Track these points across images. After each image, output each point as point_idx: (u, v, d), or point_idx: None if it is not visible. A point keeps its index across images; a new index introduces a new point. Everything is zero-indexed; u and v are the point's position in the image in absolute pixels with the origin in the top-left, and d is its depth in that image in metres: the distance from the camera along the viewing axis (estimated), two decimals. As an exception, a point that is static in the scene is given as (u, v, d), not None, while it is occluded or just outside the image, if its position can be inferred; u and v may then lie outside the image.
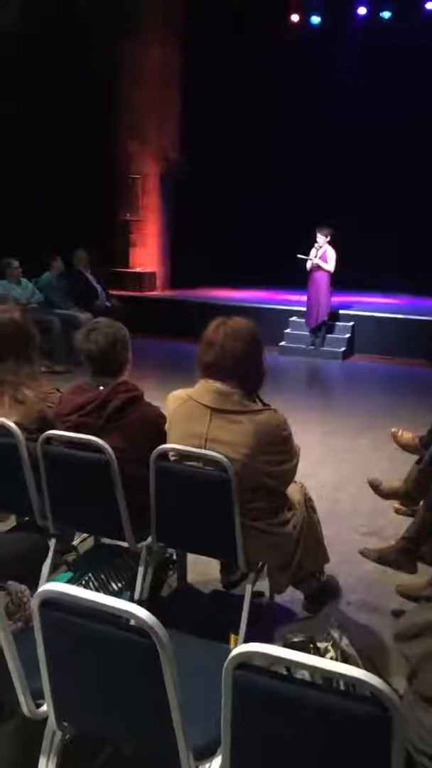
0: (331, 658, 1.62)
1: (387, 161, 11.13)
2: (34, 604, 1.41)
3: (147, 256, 11.25)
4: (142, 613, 1.29)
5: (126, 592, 2.73)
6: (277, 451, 2.28)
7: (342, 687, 1.36)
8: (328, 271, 8.73)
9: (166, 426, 2.39)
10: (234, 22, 10.72)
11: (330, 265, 8.69)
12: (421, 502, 3.10)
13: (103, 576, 2.78)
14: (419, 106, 10.81)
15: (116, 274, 10.85)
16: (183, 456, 2.32)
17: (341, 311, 9.32)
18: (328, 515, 3.91)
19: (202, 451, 2.24)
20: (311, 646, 1.61)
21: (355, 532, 3.74)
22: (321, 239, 8.74)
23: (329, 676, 1.25)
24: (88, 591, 1.38)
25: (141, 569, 2.55)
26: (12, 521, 3.09)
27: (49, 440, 2.45)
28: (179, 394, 2.36)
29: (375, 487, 3.68)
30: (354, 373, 8.35)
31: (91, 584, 2.77)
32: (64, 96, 9.88)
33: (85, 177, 10.28)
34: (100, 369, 2.43)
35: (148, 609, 2.67)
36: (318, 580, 2.80)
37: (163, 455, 2.34)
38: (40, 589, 1.40)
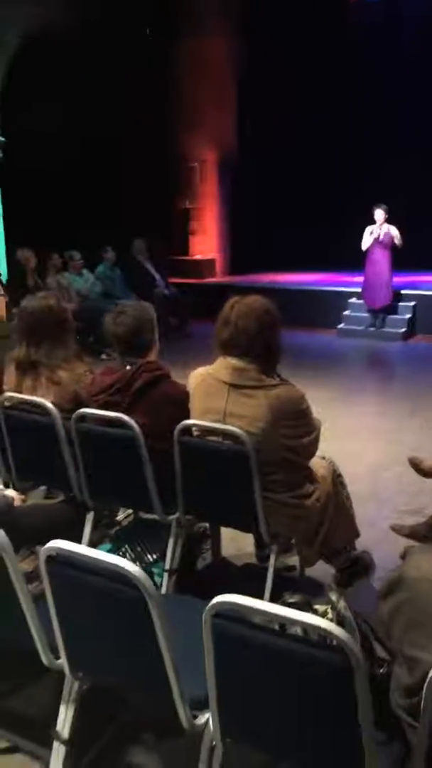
0: (329, 620, 1.69)
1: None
2: (40, 559, 1.54)
3: (206, 243, 11.37)
4: (129, 566, 1.39)
5: (160, 563, 2.87)
6: (294, 425, 2.34)
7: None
8: (394, 247, 8.57)
9: (190, 403, 2.49)
10: (293, 8, 10.59)
11: (398, 239, 8.51)
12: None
13: (139, 548, 2.93)
14: None
15: (176, 261, 11.04)
16: (204, 431, 2.42)
17: (403, 291, 9.13)
18: (371, 494, 3.93)
19: (221, 425, 2.32)
20: (308, 607, 1.68)
21: (396, 510, 3.73)
22: (380, 216, 8.58)
23: (306, 628, 1.32)
24: (86, 548, 1.50)
25: (171, 540, 2.67)
26: (60, 498, 3.29)
27: (82, 418, 2.60)
28: (199, 371, 2.45)
29: (416, 465, 3.64)
30: (414, 354, 8.19)
31: (127, 556, 2.92)
32: (124, 89, 10.07)
33: (145, 167, 10.48)
34: (127, 350, 2.55)
35: (179, 579, 2.79)
36: (349, 554, 2.84)
37: (187, 431, 2.44)
38: (45, 546, 1.53)
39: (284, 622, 1.27)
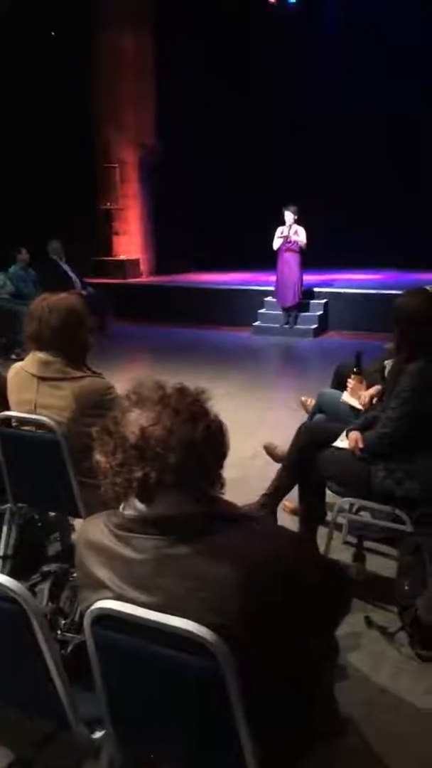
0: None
1: (367, 137, 11.15)
2: None
3: (130, 243, 11.50)
4: None
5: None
6: (101, 413, 2.46)
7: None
8: (301, 249, 8.85)
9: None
10: (207, 6, 10.79)
11: (303, 240, 8.81)
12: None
13: (-18, 538, 3.05)
14: (399, 79, 10.80)
15: (100, 262, 11.13)
16: (20, 421, 2.56)
17: (315, 289, 9.43)
18: (237, 481, 4.08)
19: (32, 416, 2.47)
20: (65, 575, 1.84)
21: (256, 495, 3.93)
22: (290, 217, 8.85)
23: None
24: None
25: (5, 528, 2.80)
26: None
27: None
28: (15, 365, 2.59)
29: (270, 451, 3.88)
30: (321, 349, 8.47)
31: (-31, 545, 3.04)
32: (40, 88, 10.10)
33: (65, 167, 10.53)
34: None
35: (25, 566, 2.90)
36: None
37: (4, 421, 2.57)
38: None
39: None
